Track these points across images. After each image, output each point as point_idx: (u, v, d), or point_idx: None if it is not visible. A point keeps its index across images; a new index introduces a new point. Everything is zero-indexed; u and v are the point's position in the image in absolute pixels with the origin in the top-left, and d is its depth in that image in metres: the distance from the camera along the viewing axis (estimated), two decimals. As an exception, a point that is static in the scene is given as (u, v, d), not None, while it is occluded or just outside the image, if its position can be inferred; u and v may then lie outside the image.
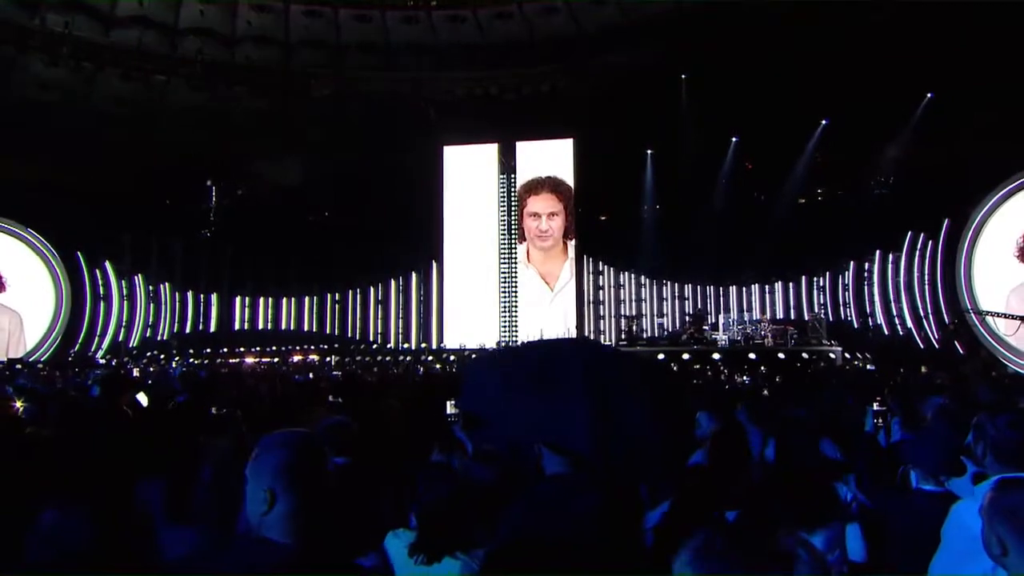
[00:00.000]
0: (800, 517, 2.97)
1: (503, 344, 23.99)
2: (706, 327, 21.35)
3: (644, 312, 25.54)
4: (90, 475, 3.29)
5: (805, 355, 18.18)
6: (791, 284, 23.65)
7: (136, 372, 15.77)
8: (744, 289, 24.30)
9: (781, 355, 18.08)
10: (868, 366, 17.65)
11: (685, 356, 18.49)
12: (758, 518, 2.79)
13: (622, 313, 25.54)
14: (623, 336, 23.31)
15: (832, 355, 18.73)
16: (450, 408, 4.55)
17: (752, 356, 18.07)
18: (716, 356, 18.47)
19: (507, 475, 3.18)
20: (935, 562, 2.31)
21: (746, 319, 21.45)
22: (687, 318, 23.02)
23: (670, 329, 24.34)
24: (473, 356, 19.40)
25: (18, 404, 5.19)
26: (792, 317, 22.68)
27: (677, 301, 25.35)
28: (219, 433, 4.45)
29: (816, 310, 22.22)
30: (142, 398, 5.73)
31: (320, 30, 24.56)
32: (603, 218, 25.71)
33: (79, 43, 21.66)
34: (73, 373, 15.05)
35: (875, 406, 4.88)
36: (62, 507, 3.13)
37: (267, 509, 1.70)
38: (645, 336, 23.81)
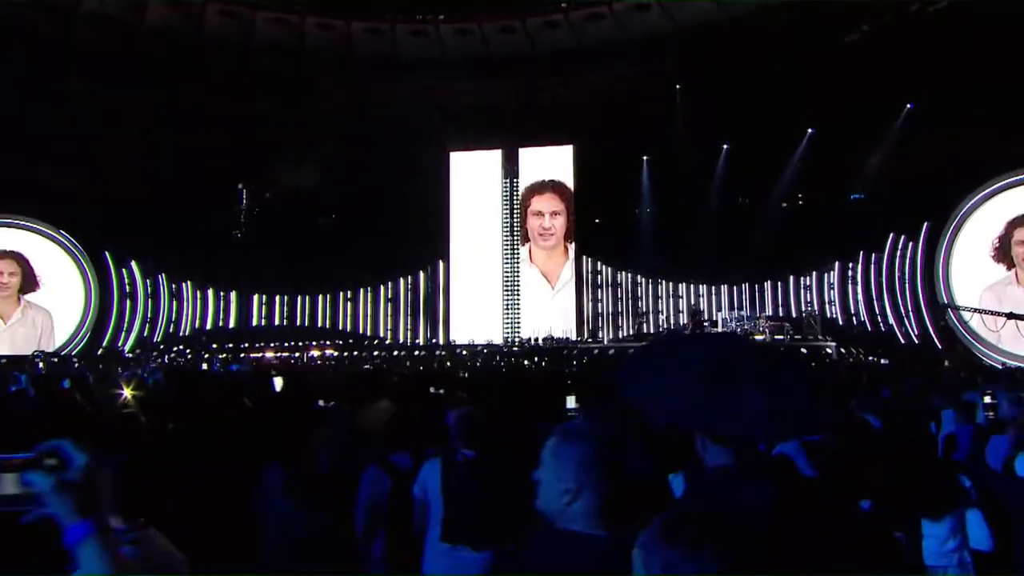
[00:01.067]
0: (929, 504, 2.96)
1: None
2: (705, 323, 21.49)
3: (641, 309, 25.71)
4: (227, 465, 3.28)
5: (804, 350, 18.26)
6: (779, 283, 23.83)
7: (204, 365, 15.79)
8: (735, 288, 24.47)
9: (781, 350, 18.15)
10: (882, 360, 17.72)
11: None
12: (890, 506, 2.67)
13: (635, 310, 25.70)
14: (632, 332, 23.49)
15: (828, 350, 18.88)
16: (571, 403, 4.48)
17: None
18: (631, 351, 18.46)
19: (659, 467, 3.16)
20: None
21: (744, 316, 21.61)
22: (688, 315, 23.25)
23: (666, 326, 24.54)
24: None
25: (127, 393, 5.11)
26: (780, 314, 22.87)
27: (672, 300, 25.52)
28: (325, 424, 4.31)
29: (811, 308, 22.34)
30: (278, 382, 5.57)
31: (333, 42, 24.62)
32: (601, 221, 25.77)
33: (107, 52, 21.69)
34: (125, 365, 15.09)
35: (987, 399, 4.78)
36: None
37: (571, 500, 1.63)
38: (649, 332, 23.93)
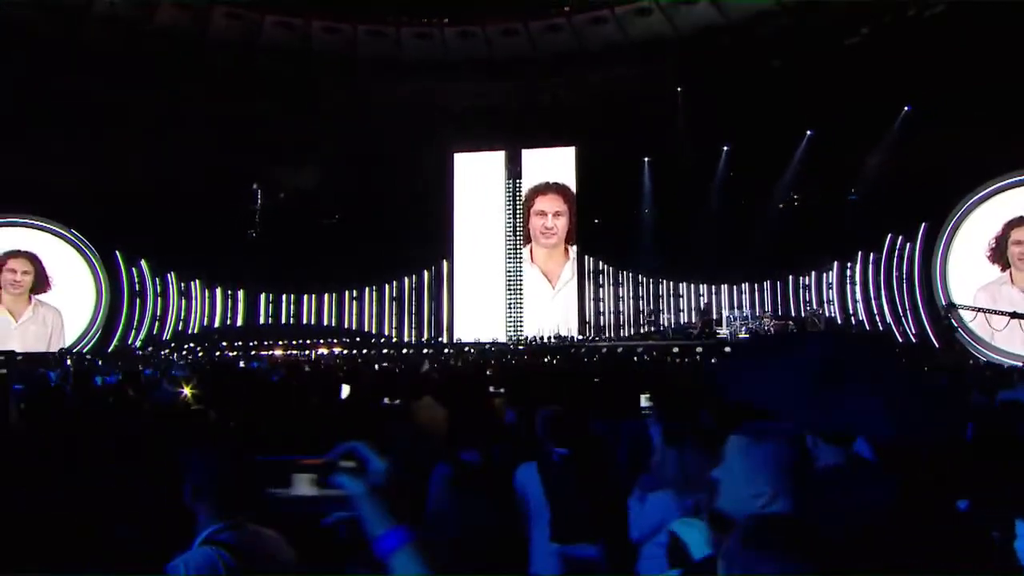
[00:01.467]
0: None
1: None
2: (713, 321, 21.52)
3: (642, 308, 25.77)
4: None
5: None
6: (779, 283, 23.85)
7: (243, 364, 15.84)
8: (735, 287, 24.50)
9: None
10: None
11: (699, 350, 18.49)
12: (988, 506, 2.53)
13: (636, 310, 25.73)
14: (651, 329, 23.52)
15: None
16: (644, 401, 4.49)
17: None
18: (727, 349, 18.46)
19: None
20: None
21: (748, 315, 21.64)
22: (697, 314, 23.26)
23: (667, 325, 24.61)
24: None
25: (187, 391, 5.01)
26: (780, 312, 22.89)
27: (673, 299, 25.57)
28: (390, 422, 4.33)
29: (810, 307, 22.30)
30: (345, 390, 5.53)
31: (337, 44, 24.68)
32: (603, 221, 25.78)
33: (114, 52, 21.79)
34: (146, 363, 15.11)
35: None
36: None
37: (767, 503, 1.52)
38: (662, 329, 23.91)
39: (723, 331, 21.09)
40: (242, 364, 15.65)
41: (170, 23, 22.86)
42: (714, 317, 22.51)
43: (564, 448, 3.34)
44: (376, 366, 14.19)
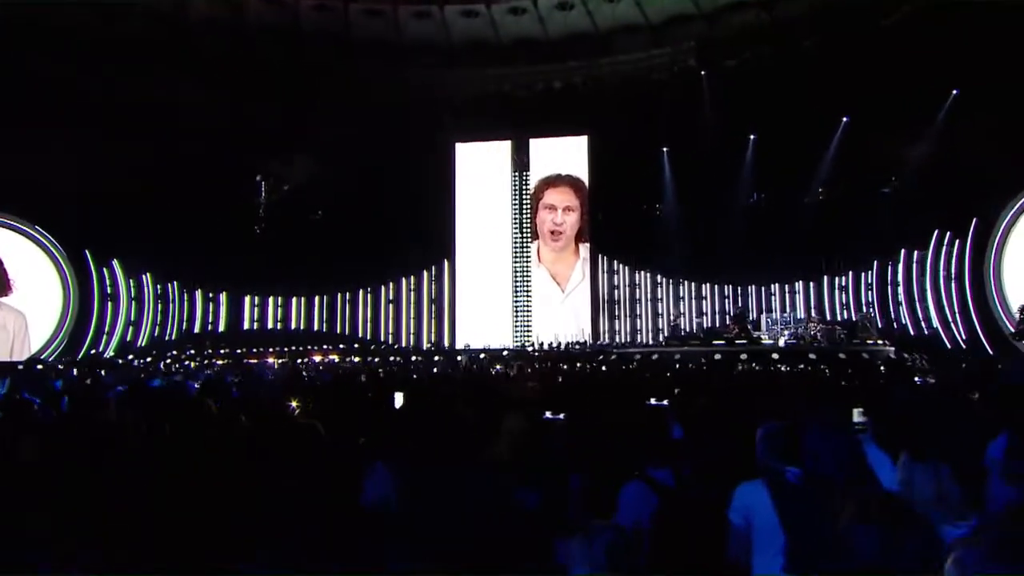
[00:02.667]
0: None
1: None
2: (750, 325, 20.41)
3: (660, 311, 24.47)
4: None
5: (865, 355, 17.05)
6: (812, 284, 22.71)
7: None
8: (764, 288, 23.43)
9: (842, 355, 16.93)
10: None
11: (743, 356, 17.32)
12: None
13: (655, 312, 24.57)
14: (671, 333, 22.43)
15: (891, 355, 17.68)
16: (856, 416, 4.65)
17: (812, 356, 16.93)
18: (775, 355, 17.31)
19: None
20: None
21: (792, 318, 20.55)
22: (728, 317, 22.26)
23: (696, 329, 23.38)
24: None
25: (294, 404, 5.24)
26: (814, 315, 21.70)
27: (695, 300, 24.34)
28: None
29: (865, 309, 21.19)
30: (399, 398, 5.61)
31: (330, 25, 23.39)
32: (619, 216, 24.53)
33: (86, 39, 20.37)
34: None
35: None
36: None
37: None
38: (684, 333, 22.71)
39: (765, 336, 19.87)
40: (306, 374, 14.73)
41: (149, 1, 21.45)
42: (751, 319, 21.29)
43: (797, 467, 3.14)
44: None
